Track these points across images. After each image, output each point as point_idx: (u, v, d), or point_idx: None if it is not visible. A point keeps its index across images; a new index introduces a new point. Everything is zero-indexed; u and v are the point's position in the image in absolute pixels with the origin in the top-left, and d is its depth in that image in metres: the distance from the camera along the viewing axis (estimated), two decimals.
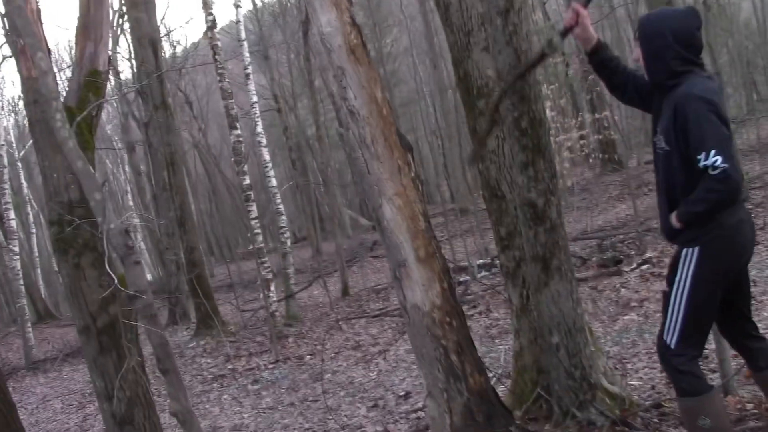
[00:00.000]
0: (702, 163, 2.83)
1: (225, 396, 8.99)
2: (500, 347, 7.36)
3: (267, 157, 14.46)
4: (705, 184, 2.86)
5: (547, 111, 5.76)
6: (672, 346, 3.01)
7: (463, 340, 3.85)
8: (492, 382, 4.10)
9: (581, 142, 16.03)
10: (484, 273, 11.93)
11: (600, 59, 3.34)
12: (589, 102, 19.79)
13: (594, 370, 3.92)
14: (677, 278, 3.00)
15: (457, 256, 14.15)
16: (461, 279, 11.67)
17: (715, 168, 2.80)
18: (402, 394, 6.85)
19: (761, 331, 3.27)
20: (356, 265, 19.07)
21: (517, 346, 4.51)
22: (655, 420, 3.75)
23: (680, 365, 3.00)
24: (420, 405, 6.04)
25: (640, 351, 5.62)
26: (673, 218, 3.03)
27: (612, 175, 19.30)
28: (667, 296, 3.08)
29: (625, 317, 7.01)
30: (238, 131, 12.50)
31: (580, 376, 3.86)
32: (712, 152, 2.80)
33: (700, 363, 3.16)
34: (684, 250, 3.00)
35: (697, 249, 2.95)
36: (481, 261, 12.64)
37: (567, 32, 3.34)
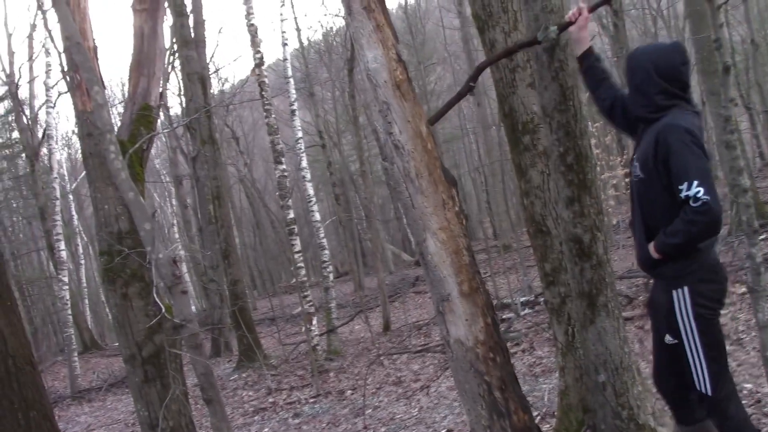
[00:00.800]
0: (684, 194, 2.81)
1: (266, 429, 8.99)
2: (544, 386, 7.24)
3: (311, 191, 14.60)
4: (685, 215, 2.84)
5: (593, 148, 5.74)
6: (710, 393, 2.95)
7: (506, 377, 3.79)
8: (536, 421, 4.03)
9: (626, 180, 15.86)
10: (527, 310, 11.80)
11: (589, 65, 3.43)
12: (634, 140, 19.60)
13: (642, 411, 3.83)
14: (681, 327, 2.97)
15: (500, 293, 14.03)
16: (504, 316, 11.55)
17: (696, 199, 2.79)
18: (444, 431, 6.77)
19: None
20: (398, 301, 19.02)
21: (563, 384, 4.43)
22: None
23: (726, 410, 2.95)
24: None
25: None
26: (651, 248, 3.01)
27: None
28: (674, 348, 3.04)
29: None
30: (283, 166, 12.66)
31: (628, 417, 3.77)
32: (695, 183, 2.78)
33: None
34: (674, 293, 2.96)
35: (686, 289, 2.93)
36: (524, 298, 12.51)
37: (566, 27, 3.41)
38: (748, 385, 5.32)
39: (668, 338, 3.08)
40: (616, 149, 18.55)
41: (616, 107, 3.36)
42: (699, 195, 2.77)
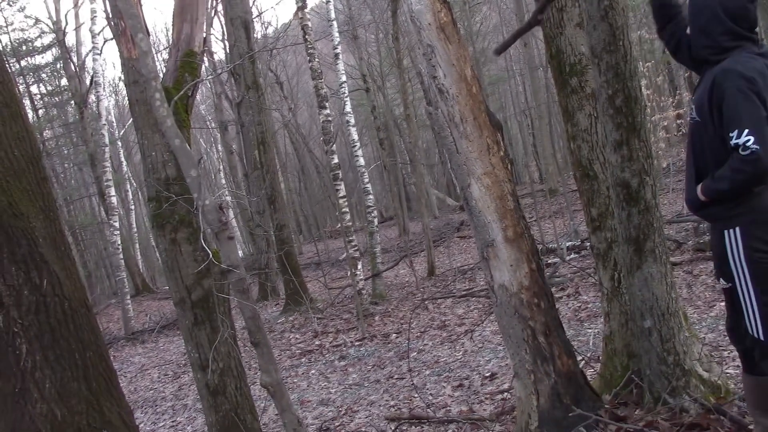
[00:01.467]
0: (734, 141, 2.72)
1: (312, 371, 9.18)
2: (589, 331, 7.23)
3: (355, 136, 14.57)
4: (733, 162, 2.76)
5: (643, 89, 5.58)
6: (762, 338, 2.89)
7: (551, 322, 3.79)
8: (580, 366, 4.03)
9: (678, 121, 15.46)
10: (573, 255, 11.73)
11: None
12: (687, 80, 19.06)
13: (688, 356, 3.80)
14: (733, 270, 2.88)
15: (545, 237, 13.95)
16: (549, 261, 11.50)
17: (746, 148, 2.70)
18: (488, 374, 6.82)
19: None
20: (443, 245, 19.06)
21: (608, 329, 4.41)
22: None
23: None
24: (506, 386, 6.01)
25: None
26: (699, 190, 2.95)
27: None
28: (729, 292, 2.96)
29: (722, 303, 6.77)
30: (327, 111, 12.63)
31: (674, 362, 3.75)
32: (746, 131, 2.70)
33: None
34: (725, 234, 2.87)
35: (738, 230, 2.83)
36: (570, 243, 12.42)
37: None
38: None
39: (722, 282, 3.02)
40: (668, 90, 18.07)
41: (682, 47, 3.22)
42: (749, 144, 2.69)
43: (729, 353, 5.11)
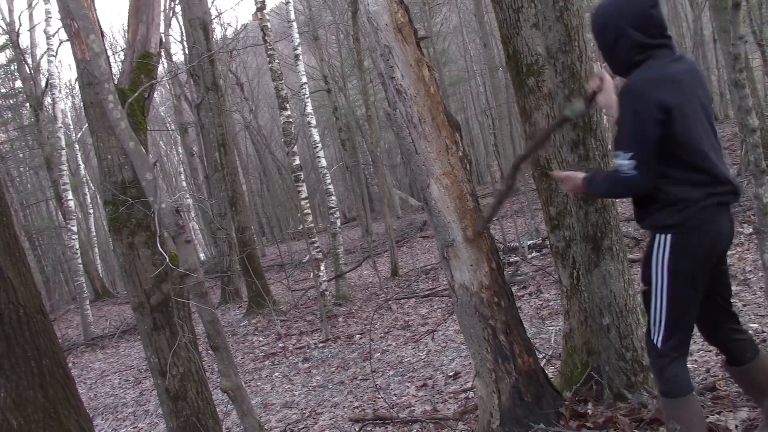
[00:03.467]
0: (616, 161, 2.77)
1: (276, 374, 9.12)
2: (550, 328, 7.30)
3: (317, 137, 14.53)
4: (612, 176, 2.85)
5: None
6: (659, 346, 2.89)
7: (511, 321, 3.82)
8: (541, 363, 4.06)
9: None
10: (534, 253, 11.83)
11: None
12: None
13: (646, 352, 3.85)
14: (654, 273, 2.87)
15: (507, 236, 14.05)
16: (511, 259, 11.59)
17: (625, 172, 2.75)
18: (451, 374, 6.85)
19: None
20: (406, 245, 19.10)
21: (567, 327, 4.46)
22: (709, 403, 3.67)
23: (664, 367, 2.89)
24: (469, 385, 6.04)
25: (695, 334, 5.50)
26: (579, 178, 3.04)
27: None
28: (646, 294, 2.95)
29: None
30: (288, 112, 12.57)
31: (632, 358, 3.80)
32: (630, 154, 2.73)
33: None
34: (656, 237, 2.87)
35: (669, 237, 2.81)
36: (531, 241, 12.53)
37: (592, 98, 3.15)
38: (754, 325, 5.34)
39: (641, 284, 3.00)
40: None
41: None
42: (629, 168, 2.73)
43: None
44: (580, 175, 3.04)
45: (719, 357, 4.57)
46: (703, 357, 4.87)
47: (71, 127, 25.61)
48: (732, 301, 3.05)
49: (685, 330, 2.91)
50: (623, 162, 2.74)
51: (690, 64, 2.86)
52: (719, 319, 3.04)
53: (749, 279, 6.70)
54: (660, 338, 2.89)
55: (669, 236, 2.81)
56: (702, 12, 21.14)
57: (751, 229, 8.04)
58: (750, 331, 5.26)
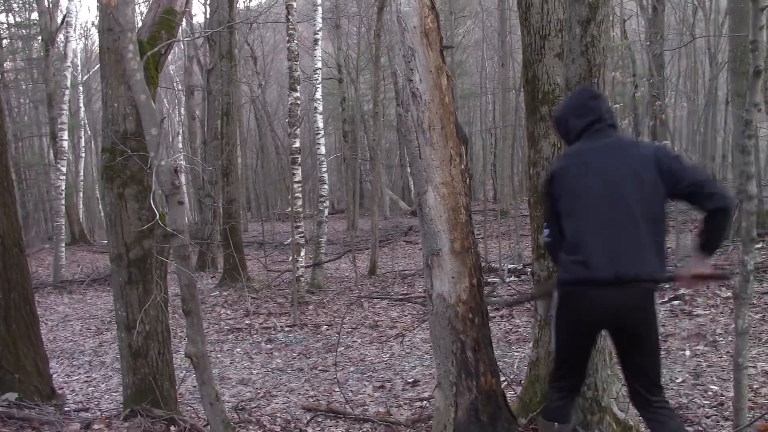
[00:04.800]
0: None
1: (237, 349, 9.12)
2: (516, 354, 7.34)
3: (320, 124, 14.53)
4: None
5: None
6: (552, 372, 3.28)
7: (482, 339, 3.84)
8: (503, 386, 4.09)
9: None
10: (513, 278, 11.88)
11: None
12: (651, 128, 19.45)
13: (607, 394, 3.90)
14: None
15: (489, 256, 14.10)
16: (490, 279, 11.63)
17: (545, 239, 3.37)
18: (410, 380, 6.87)
19: None
20: (388, 247, 19.13)
21: (534, 355, 4.49)
22: None
23: (550, 389, 3.25)
24: (426, 395, 6.06)
25: None
26: None
27: None
28: None
29: None
30: (297, 94, 12.56)
31: (592, 397, 3.84)
32: (545, 224, 3.36)
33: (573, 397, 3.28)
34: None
35: (556, 295, 3.17)
36: (512, 266, 12.58)
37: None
38: (715, 387, 5.39)
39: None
40: (631, 134, 18.41)
41: None
42: (545, 236, 3.35)
43: None
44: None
45: (675, 410, 4.63)
46: None
47: (79, 68, 25.47)
48: (652, 380, 3.05)
49: (565, 368, 3.20)
50: (544, 232, 3.36)
51: (609, 141, 3.13)
52: (634, 393, 3.09)
53: (718, 342, 6.76)
54: (552, 366, 3.30)
55: (556, 294, 3.18)
56: (720, 72, 21.29)
57: (729, 293, 8.12)
58: (710, 392, 5.33)
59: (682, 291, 2.95)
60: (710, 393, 5.30)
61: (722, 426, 4.47)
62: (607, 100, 3.39)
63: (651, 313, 2.99)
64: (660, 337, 3.03)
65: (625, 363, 3.08)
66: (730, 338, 6.62)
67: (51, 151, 18.56)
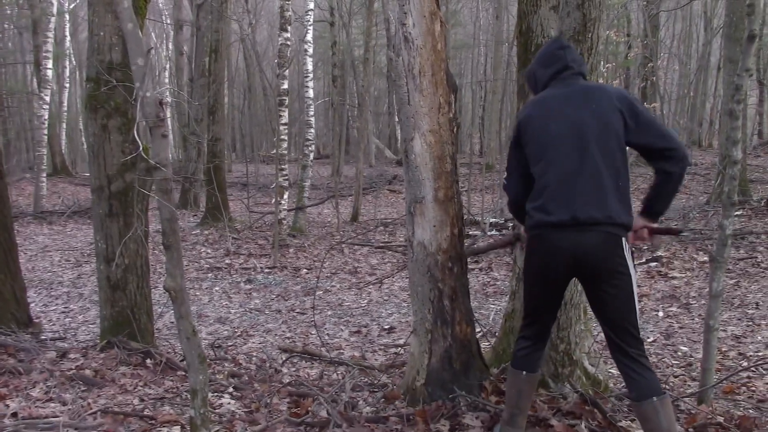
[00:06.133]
0: None
1: (216, 288, 9.15)
2: (492, 306, 7.43)
3: (310, 67, 14.35)
4: None
5: None
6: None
7: (459, 288, 3.87)
8: (477, 336, 4.14)
9: None
10: (494, 232, 11.94)
11: None
12: (641, 90, 19.42)
13: (579, 348, 3.96)
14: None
15: (472, 209, 14.14)
16: (471, 232, 11.68)
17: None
18: (386, 327, 6.95)
19: None
20: (371, 195, 19.12)
21: (510, 307, 4.53)
22: (625, 409, 3.80)
23: (518, 338, 3.26)
24: (401, 342, 6.14)
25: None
26: None
27: (646, 167, 19.07)
28: None
29: None
30: (288, 34, 12.38)
31: (564, 350, 3.90)
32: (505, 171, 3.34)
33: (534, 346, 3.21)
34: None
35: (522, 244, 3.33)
36: (494, 219, 12.63)
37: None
38: (684, 348, 5.50)
39: None
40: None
41: None
42: (504, 178, 3.35)
43: None
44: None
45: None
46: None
47: None
48: (626, 330, 2.97)
49: (532, 317, 3.19)
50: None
51: (574, 88, 3.08)
52: (611, 346, 3.05)
53: (691, 304, 6.87)
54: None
55: (525, 240, 3.22)
56: (714, 38, 21.19)
57: (706, 258, 8.22)
58: (679, 353, 5.43)
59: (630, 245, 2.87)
60: (679, 353, 5.41)
61: (689, 386, 4.57)
62: (576, 50, 3.31)
63: (616, 259, 2.91)
64: (635, 290, 2.99)
65: (598, 313, 3.05)
66: (702, 302, 6.73)
67: (35, 80, 18.22)
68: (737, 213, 10.04)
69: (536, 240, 3.05)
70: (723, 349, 5.29)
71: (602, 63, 4.33)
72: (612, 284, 2.92)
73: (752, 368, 4.71)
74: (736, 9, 10.64)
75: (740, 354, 5.26)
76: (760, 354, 5.22)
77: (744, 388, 4.31)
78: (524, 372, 3.19)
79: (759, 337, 5.67)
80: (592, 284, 2.99)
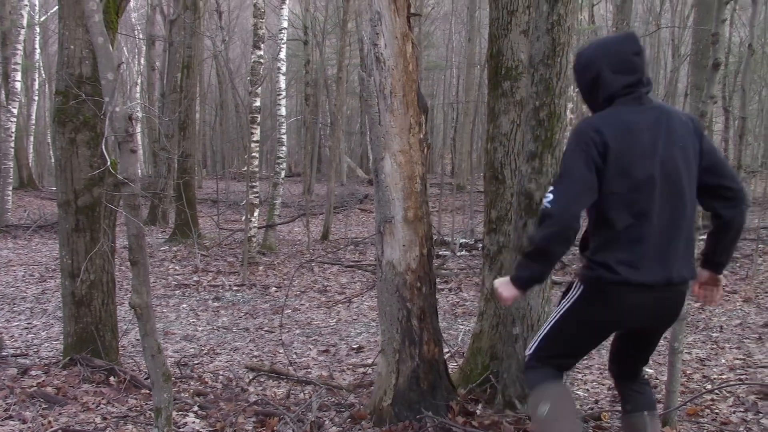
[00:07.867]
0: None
1: (184, 305, 9.06)
2: (461, 326, 7.44)
3: (283, 85, 14.37)
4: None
5: (568, 111, 5.73)
6: (528, 352, 2.89)
7: (428, 308, 3.88)
8: (445, 357, 4.15)
9: None
10: (463, 252, 12.00)
11: None
12: None
13: None
14: (562, 299, 2.81)
15: (442, 229, 14.20)
16: (441, 252, 11.72)
17: (543, 205, 2.56)
18: (355, 346, 6.92)
19: None
20: (342, 213, 19.12)
21: (478, 328, 4.55)
22: (590, 431, 3.82)
23: (530, 372, 2.88)
24: (369, 361, 6.11)
25: (593, 365, 5.70)
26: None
27: None
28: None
29: None
30: (261, 52, 12.39)
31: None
32: (551, 188, 2.56)
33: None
34: (574, 283, 2.77)
35: (581, 288, 2.69)
36: (464, 240, 12.69)
37: None
38: (650, 370, 5.54)
39: None
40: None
41: None
42: (545, 200, 2.54)
43: (582, 376, 5.38)
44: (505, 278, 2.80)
45: (610, 391, 4.75)
46: (595, 388, 5.04)
47: (36, 8, 24.66)
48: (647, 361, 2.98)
49: (552, 357, 2.83)
50: (547, 196, 2.55)
51: (655, 113, 2.61)
52: (624, 369, 3.01)
53: None
54: (532, 348, 2.87)
55: (581, 288, 2.70)
56: (681, 64, 21.57)
57: None
58: (645, 375, 5.48)
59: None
60: (644, 375, 5.45)
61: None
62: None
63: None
64: None
65: (638, 354, 2.89)
66: None
67: (2, 92, 17.99)
68: (701, 237, 10.18)
69: (614, 295, 2.59)
70: (688, 372, 5.34)
71: (571, 87, 4.40)
72: (663, 332, 2.87)
73: (716, 391, 4.76)
74: (703, 36, 10.89)
75: (704, 377, 5.31)
76: (723, 377, 5.28)
77: (708, 410, 4.35)
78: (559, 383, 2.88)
79: (723, 360, 5.74)
80: (649, 336, 2.85)
